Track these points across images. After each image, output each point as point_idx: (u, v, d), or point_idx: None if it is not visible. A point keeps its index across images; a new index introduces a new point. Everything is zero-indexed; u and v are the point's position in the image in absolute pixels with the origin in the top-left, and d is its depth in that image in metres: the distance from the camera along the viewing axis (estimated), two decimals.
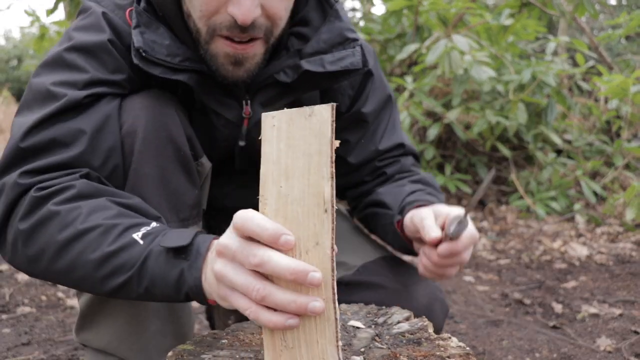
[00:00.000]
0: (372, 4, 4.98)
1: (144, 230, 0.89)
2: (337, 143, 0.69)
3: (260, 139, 1.23)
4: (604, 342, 1.83)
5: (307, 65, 1.11)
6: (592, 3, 3.46)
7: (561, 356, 1.77)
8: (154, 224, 0.91)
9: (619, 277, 2.55)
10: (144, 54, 1.02)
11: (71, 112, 0.99)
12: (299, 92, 1.17)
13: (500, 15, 3.44)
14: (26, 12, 3.46)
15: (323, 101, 1.27)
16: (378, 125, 1.32)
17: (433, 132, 3.60)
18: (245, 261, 0.72)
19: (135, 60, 1.02)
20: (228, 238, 0.75)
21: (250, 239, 0.73)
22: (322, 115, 0.68)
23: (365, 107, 1.29)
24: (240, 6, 0.98)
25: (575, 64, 4.08)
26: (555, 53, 3.89)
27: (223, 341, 0.92)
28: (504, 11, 3.45)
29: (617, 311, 2.12)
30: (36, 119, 0.97)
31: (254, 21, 1.00)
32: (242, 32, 1.00)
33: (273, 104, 1.18)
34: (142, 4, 1.08)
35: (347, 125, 1.29)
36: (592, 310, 2.14)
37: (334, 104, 0.69)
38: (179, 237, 0.86)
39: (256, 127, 1.17)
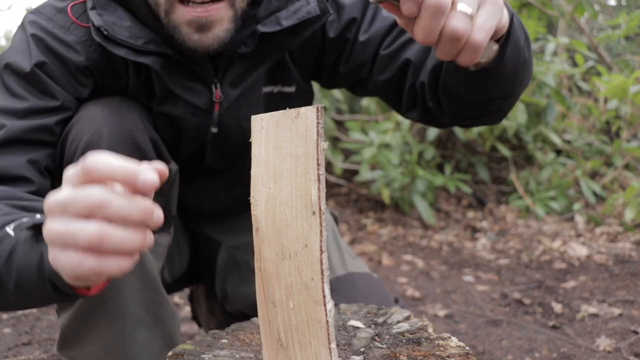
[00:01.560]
0: None
1: (19, 221, 0.77)
2: (325, 145, 0.69)
3: (232, 124, 1.20)
4: (604, 342, 1.83)
5: (262, 28, 1.06)
6: (591, 3, 3.46)
7: (561, 356, 1.77)
8: (38, 216, 0.78)
9: (619, 277, 2.55)
10: (105, 33, 0.98)
11: (9, 146, 0.95)
12: (266, 59, 1.11)
13: None
14: (27, 10, 3.47)
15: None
16: (362, 24, 1.17)
17: (433, 132, 3.60)
18: (79, 206, 0.58)
19: (98, 39, 0.97)
20: (57, 192, 0.61)
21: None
22: (308, 117, 0.68)
23: (332, 31, 1.17)
24: None
25: (574, 64, 4.08)
26: (554, 53, 3.89)
27: (223, 341, 0.92)
28: None
29: (617, 311, 2.13)
30: None
31: None
32: None
33: (244, 81, 1.12)
34: None
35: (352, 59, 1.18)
36: (592, 310, 2.14)
37: (320, 106, 0.68)
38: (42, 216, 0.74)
39: (228, 111, 1.14)
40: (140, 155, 1.02)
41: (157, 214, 0.60)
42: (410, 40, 1.12)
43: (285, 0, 1.08)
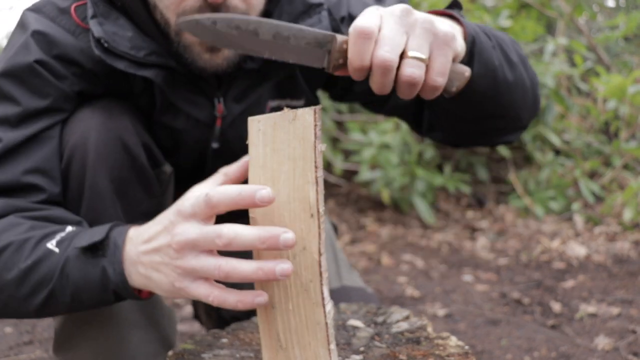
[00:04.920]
0: None
1: (58, 237, 0.84)
2: (323, 147, 0.70)
3: (235, 140, 1.20)
4: (602, 341, 1.84)
5: None
6: (590, 4, 3.46)
7: (560, 355, 1.78)
8: (69, 229, 0.86)
9: (617, 277, 2.56)
10: (106, 45, 0.94)
11: (8, 158, 0.93)
12: (273, 76, 1.09)
13: (498, 16, 3.45)
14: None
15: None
16: None
17: None
18: (211, 245, 0.69)
19: (97, 52, 0.95)
20: (185, 230, 0.70)
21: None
22: (306, 119, 0.68)
23: None
24: None
25: (573, 65, 4.09)
26: (553, 54, 3.89)
27: (223, 340, 0.93)
28: (502, 12, 3.46)
29: (615, 310, 2.13)
30: None
31: (227, 1, 0.92)
32: (213, 12, 0.91)
33: (248, 97, 1.09)
34: None
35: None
36: (591, 309, 2.15)
37: (318, 107, 0.68)
38: (92, 234, 0.81)
39: (231, 127, 1.11)
40: (129, 158, 1.00)
41: (284, 237, 0.67)
42: None
43: (296, 17, 1.05)
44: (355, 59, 0.71)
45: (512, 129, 1.09)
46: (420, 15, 0.72)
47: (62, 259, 0.82)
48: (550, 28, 4.65)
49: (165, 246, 0.73)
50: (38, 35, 0.98)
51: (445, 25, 0.75)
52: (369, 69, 0.72)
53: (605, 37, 4.07)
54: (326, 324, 0.71)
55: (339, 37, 0.71)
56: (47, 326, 2.00)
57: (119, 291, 0.81)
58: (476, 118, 1.02)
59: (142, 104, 1.08)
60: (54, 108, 0.98)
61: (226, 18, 0.70)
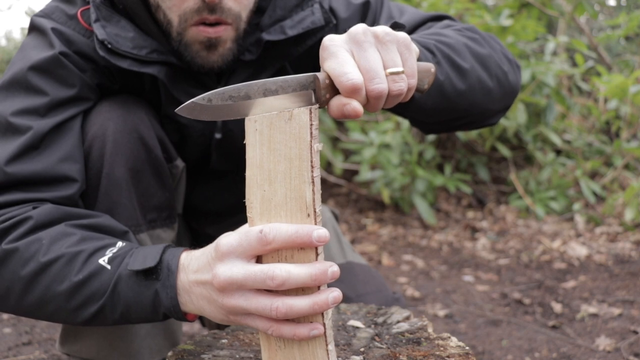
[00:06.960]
0: None
1: (109, 253, 0.86)
2: (319, 146, 0.70)
3: (237, 130, 1.22)
4: (603, 342, 1.83)
5: (267, 36, 1.08)
6: (591, 3, 3.46)
7: (560, 356, 1.77)
8: (119, 244, 0.88)
9: (618, 277, 2.55)
10: (109, 46, 1.00)
11: (40, 146, 0.95)
12: (269, 67, 1.14)
13: (499, 15, 3.44)
14: (27, 13, 3.47)
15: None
16: None
17: None
18: (262, 286, 0.70)
19: (102, 53, 1.00)
20: (227, 269, 0.72)
21: (253, 258, 0.72)
22: (301, 118, 0.69)
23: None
24: None
25: (574, 64, 4.08)
26: (554, 53, 3.89)
27: (223, 341, 0.92)
28: (503, 11, 3.45)
29: (617, 311, 2.13)
30: (5, 157, 0.92)
31: (222, 2, 0.98)
32: (211, 12, 0.99)
33: None
34: None
35: None
36: (592, 310, 2.15)
37: (313, 107, 0.69)
38: (145, 257, 0.84)
39: None
40: (145, 149, 1.03)
41: (332, 271, 0.69)
42: None
43: (290, 10, 1.09)
44: (355, 102, 0.75)
45: (486, 119, 1.12)
46: (378, 29, 0.75)
47: (114, 277, 0.84)
48: (551, 27, 4.65)
49: (209, 283, 0.75)
50: (57, 32, 1.03)
51: (400, 31, 0.80)
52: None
53: (607, 36, 4.06)
54: (324, 324, 0.71)
55: (320, 76, 0.75)
56: (45, 327, 1.99)
57: (169, 314, 0.84)
58: (440, 122, 1.07)
59: (152, 100, 1.12)
60: (80, 97, 1.02)
61: (218, 92, 0.74)
